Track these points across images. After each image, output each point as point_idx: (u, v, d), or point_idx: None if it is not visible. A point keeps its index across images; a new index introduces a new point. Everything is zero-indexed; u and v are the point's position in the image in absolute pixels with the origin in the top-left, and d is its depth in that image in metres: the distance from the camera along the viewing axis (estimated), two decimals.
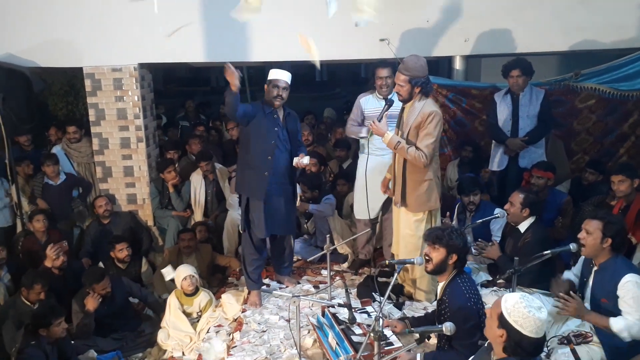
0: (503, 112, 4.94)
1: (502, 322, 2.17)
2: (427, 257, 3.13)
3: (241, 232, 4.69)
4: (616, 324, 3.01)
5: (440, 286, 3.16)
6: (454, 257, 3.04)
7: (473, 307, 2.92)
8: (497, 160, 5.09)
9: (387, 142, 3.77)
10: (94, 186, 6.03)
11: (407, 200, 3.91)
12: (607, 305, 3.13)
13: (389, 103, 3.87)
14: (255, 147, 4.11)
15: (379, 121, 3.80)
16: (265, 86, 4.16)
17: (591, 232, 3.16)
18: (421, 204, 3.89)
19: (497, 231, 4.57)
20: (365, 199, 4.39)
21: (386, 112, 3.88)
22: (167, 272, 4.65)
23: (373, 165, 4.43)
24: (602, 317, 3.08)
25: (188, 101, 8.80)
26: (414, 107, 3.77)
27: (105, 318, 4.39)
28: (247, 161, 4.19)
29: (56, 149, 6.02)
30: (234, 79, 3.78)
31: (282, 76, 4.11)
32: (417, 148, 3.70)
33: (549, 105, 4.87)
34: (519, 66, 4.75)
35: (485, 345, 2.44)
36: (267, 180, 4.11)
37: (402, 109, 3.91)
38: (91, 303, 4.27)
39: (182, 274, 4.42)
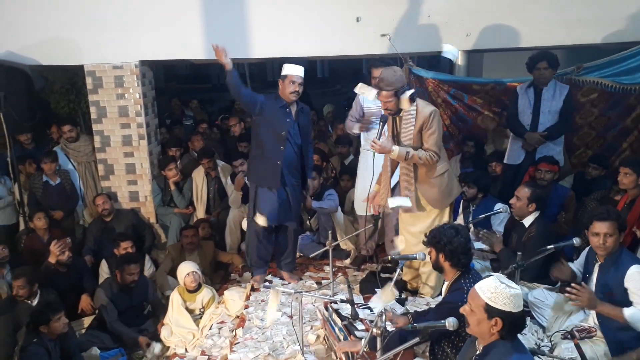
0: (524, 105, 4.89)
1: (492, 312, 2.18)
2: (429, 255, 3.17)
3: (247, 220, 4.74)
4: (629, 314, 3.01)
5: (445, 285, 3.17)
6: (442, 256, 3.04)
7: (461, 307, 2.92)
8: (514, 154, 5.06)
9: (396, 156, 3.72)
10: (96, 184, 6.02)
11: (431, 200, 3.88)
12: (614, 298, 3.13)
13: (384, 120, 3.79)
14: (268, 137, 4.21)
15: (379, 139, 3.71)
16: (280, 81, 4.21)
17: (612, 233, 3.14)
18: (446, 197, 3.91)
19: (498, 225, 4.56)
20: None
21: (384, 130, 3.79)
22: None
23: (375, 162, 4.43)
24: (615, 307, 3.06)
25: (173, 99, 8.81)
26: (408, 114, 3.72)
27: (126, 310, 4.44)
28: (260, 150, 4.27)
29: (57, 149, 6.01)
30: (222, 57, 3.87)
31: (298, 72, 4.15)
32: (425, 150, 3.72)
33: (572, 101, 4.81)
34: (546, 58, 4.70)
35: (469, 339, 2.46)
36: (279, 168, 4.19)
37: (390, 119, 3.85)
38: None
39: (184, 270, 4.42)
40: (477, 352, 2.31)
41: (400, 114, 3.75)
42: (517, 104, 4.95)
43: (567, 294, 3.10)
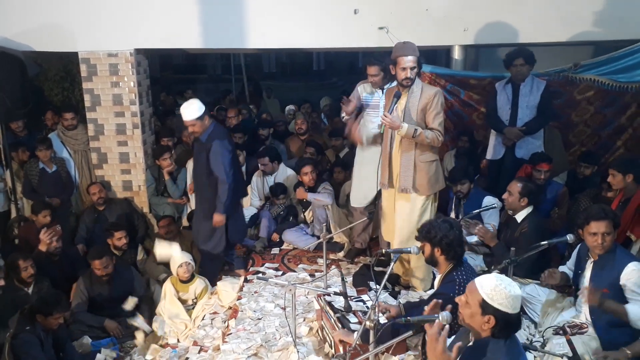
0: (502, 101, 4.93)
1: (486, 309, 2.16)
2: (422, 250, 3.17)
3: None
4: (633, 312, 3.02)
5: (438, 278, 3.18)
6: (438, 250, 3.05)
7: (453, 299, 2.92)
8: (494, 150, 5.09)
9: (404, 133, 3.78)
10: (91, 173, 5.97)
11: (417, 184, 3.95)
12: (608, 295, 3.14)
13: (397, 96, 3.86)
14: None
15: (390, 114, 3.78)
16: None
17: (609, 232, 3.17)
18: (432, 185, 3.99)
19: (488, 219, 4.57)
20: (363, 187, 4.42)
21: (396, 106, 3.86)
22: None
23: (370, 154, 4.44)
24: (619, 304, 3.06)
25: (162, 94, 8.81)
26: (413, 92, 3.83)
27: (105, 302, 4.38)
28: None
29: (52, 136, 5.95)
30: None
31: (184, 117, 4.42)
32: (431, 129, 3.82)
33: (549, 96, 4.85)
34: (522, 55, 4.75)
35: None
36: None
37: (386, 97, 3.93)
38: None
39: (178, 261, 4.40)
40: (469, 344, 2.31)
41: (407, 91, 3.84)
42: (496, 100, 4.99)
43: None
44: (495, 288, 2.16)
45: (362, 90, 4.56)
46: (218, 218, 4.49)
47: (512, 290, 2.16)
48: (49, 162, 5.57)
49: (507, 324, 2.16)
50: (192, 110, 4.38)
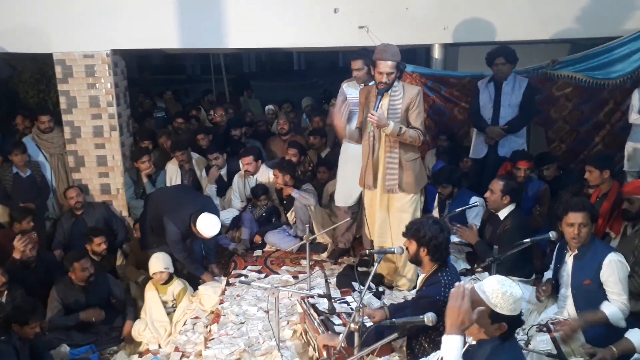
0: (485, 100, 4.95)
1: (497, 318, 2.11)
2: (406, 248, 3.14)
3: None
4: (611, 314, 3.07)
5: (421, 278, 3.16)
6: (424, 250, 3.03)
7: (439, 301, 2.91)
8: (477, 148, 5.11)
9: (390, 131, 3.78)
10: (68, 176, 5.86)
11: (404, 183, 3.95)
12: (590, 286, 3.19)
13: (381, 93, 3.84)
14: None
15: (376, 112, 3.76)
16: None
17: (586, 224, 3.21)
18: (418, 182, 4.02)
19: (473, 219, 4.58)
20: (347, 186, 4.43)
21: (380, 104, 3.84)
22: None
23: (354, 152, 4.41)
24: (595, 313, 3.08)
25: (140, 94, 8.75)
26: (395, 92, 3.83)
27: (81, 309, 4.27)
28: None
29: (26, 140, 5.81)
30: None
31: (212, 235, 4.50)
32: (413, 128, 3.85)
33: (531, 94, 4.88)
34: (503, 54, 4.77)
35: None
36: None
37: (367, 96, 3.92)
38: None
39: (153, 269, 4.34)
40: (470, 342, 2.27)
41: (389, 92, 3.83)
42: (478, 99, 5.01)
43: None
44: (503, 297, 2.10)
45: (347, 88, 4.53)
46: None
47: (515, 294, 2.11)
48: (23, 166, 5.43)
49: (516, 325, 2.18)
50: (216, 225, 4.42)
